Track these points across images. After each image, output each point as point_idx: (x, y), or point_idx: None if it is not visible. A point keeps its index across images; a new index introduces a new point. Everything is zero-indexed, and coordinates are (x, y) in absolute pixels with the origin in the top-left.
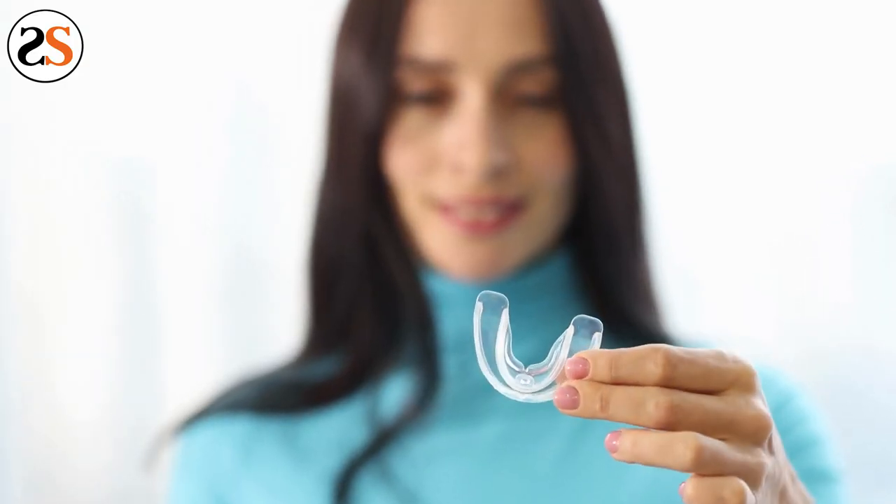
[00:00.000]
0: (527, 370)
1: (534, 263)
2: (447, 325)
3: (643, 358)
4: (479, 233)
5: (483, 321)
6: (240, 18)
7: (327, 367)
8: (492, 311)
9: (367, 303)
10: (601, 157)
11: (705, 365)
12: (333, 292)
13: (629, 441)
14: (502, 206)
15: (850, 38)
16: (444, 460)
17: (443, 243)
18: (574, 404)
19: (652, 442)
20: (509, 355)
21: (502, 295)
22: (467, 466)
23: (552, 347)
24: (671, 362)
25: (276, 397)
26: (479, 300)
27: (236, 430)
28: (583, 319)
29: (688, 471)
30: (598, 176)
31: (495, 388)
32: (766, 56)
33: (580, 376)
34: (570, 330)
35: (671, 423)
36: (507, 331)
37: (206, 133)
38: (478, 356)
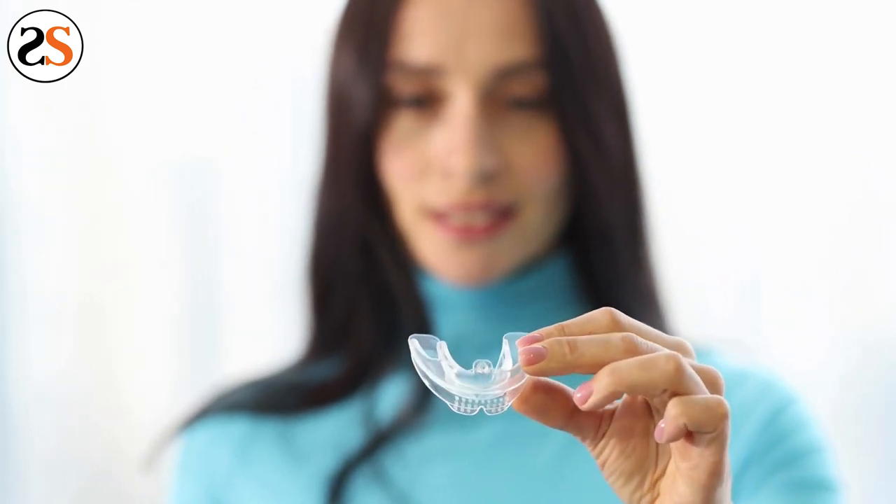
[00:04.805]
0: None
1: (531, 266)
2: (444, 327)
3: (590, 316)
4: (471, 238)
5: (422, 359)
6: (293, 11)
7: (326, 370)
8: (429, 348)
9: (365, 306)
10: (594, 161)
11: (649, 329)
12: (331, 296)
13: (606, 371)
14: (493, 211)
15: None
16: (438, 462)
17: (435, 250)
18: (540, 356)
19: (632, 362)
20: (459, 376)
21: (433, 336)
22: (461, 468)
23: (496, 366)
24: (616, 318)
25: (275, 398)
26: (411, 341)
27: (234, 431)
28: (515, 336)
29: (669, 384)
30: (592, 179)
31: (452, 409)
32: (821, 51)
33: (535, 355)
34: (506, 345)
35: (638, 352)
36: (447, 359)
37: (267, 131)
38: (431, 388)
